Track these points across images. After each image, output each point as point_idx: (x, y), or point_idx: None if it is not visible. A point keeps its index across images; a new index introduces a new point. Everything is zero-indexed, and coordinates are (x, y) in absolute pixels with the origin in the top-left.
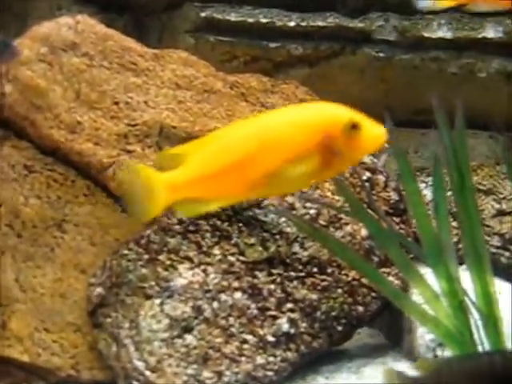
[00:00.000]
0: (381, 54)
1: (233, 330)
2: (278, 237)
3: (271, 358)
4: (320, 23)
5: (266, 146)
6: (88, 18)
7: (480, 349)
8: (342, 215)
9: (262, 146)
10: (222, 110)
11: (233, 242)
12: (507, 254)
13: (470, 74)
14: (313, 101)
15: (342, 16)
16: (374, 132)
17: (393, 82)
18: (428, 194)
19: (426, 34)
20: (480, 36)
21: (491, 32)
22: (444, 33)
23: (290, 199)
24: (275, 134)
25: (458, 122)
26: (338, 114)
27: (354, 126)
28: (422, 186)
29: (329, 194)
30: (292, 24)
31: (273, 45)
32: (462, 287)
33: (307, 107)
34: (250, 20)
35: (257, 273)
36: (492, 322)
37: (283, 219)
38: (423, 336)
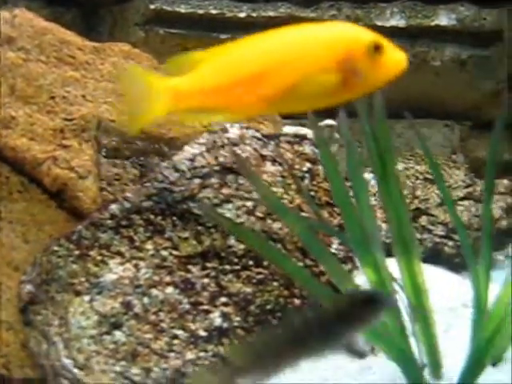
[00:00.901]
0: None
1: (163, 325)
2: (213, 230)
3: (202, 354)
4: (271, 13)
5: (284, 60)
6: (26, 11)
7: (411, 341)
8: None
9: (280, 60)
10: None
11: (166, 236)
12: (451, 243)
13: (424, 62)
14: None
15: (294, 6)
16: (396, 56)
17: None
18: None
19: (378, 23)
20: (433, 24)
21: (444, 20)
22: (397, 21)
23: (225, 191)
24: (295, 47)
25: (378, 110)
26: (362, 34)
27: (377, 48)
28: (370, 176)
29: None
30: (243, 15)
31: (224, 36)
32: (390, 277)
33: (332, 25)
34: (200, 11)
35: (190, 267)
36: (422, 312)
37: (220, 211)
38: None
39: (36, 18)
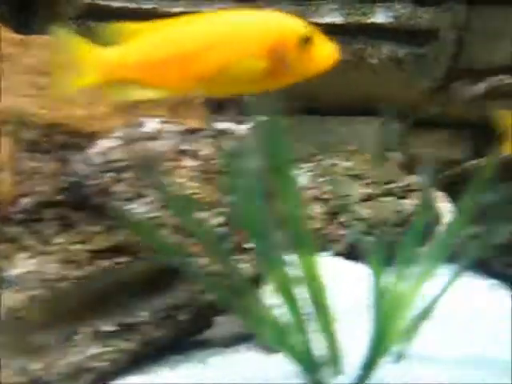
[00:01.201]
0: None
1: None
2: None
3: (107, 349)
4: (207, 9)
5: (217, 41)
6: None
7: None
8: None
9: (213, 41)
10: (86, 97)
11: (77, 230)
12: (370, 238)
13: (361, 59)
14: None
15: (231, 2)
16: (327, 50)
17: None
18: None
19: (315, 19)
20: (370, 21)
21: (381, 17)
22: (334, 18)
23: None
24: (229, 30)
25: (272, 108)
26: (295, 25)
27: (308, 40)
28: (299, 172)
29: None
30: (177, 10)
31: None
32: (288, 272)
33: (268, 13)
34: (132, 6)
35: (100, 261)
36: (320, 308)
37: (131, 206)
38: None
39: None
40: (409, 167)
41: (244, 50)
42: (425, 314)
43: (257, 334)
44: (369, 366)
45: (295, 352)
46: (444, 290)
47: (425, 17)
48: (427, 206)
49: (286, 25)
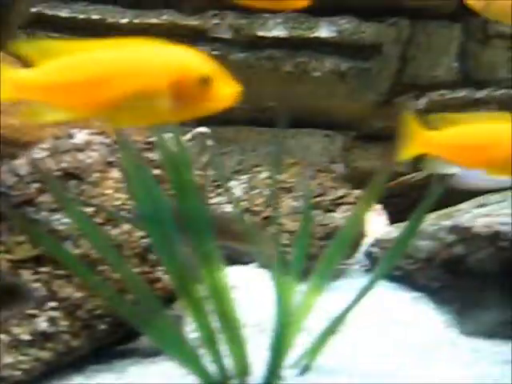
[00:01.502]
0: (216, 52)
1: None
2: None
3: (22, 357)
4: (154, 20)
5: (123, 71)
6: None
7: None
8: None
9: (119, 70)
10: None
11: (1, 240)
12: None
13: (305, 72)
14: None
15: (178, 13)
16: (226, 91)
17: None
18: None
19: (260, 33)
20: (313, 35)
21: (324, 32)
22: (279, 32)
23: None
24: (136, 61)
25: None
26: (195, 63)
27: (207, 80)
28: (235, 183)
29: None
30: (125, 21)
31: None
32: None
33: (173, 49)
34: (81, 16)
35: (22, 271)
36: (228, 322)
37: (55, 217)
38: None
39: None
40: (352, 179)
41: (146, 84)
42: (334, 326)
43: (166, 352)
44: (270, 378)
45: (203, 371)
46: (355, 303)
47: (369, 32)
48: (355, 220)
49: (186, 62)
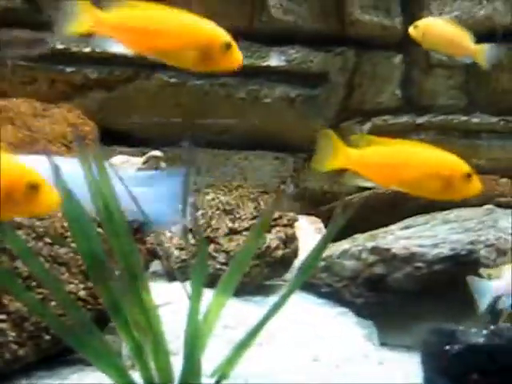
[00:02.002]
0: (174, 80)
1: None
2: (1, 253)
3: None
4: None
5: (172, 29)
6: None
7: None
8: None
9: (169, 28)
10: None
11: None
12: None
13: (257, 99)
14: (85, 125)
15: None
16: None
17: (187, 107)
18: None
19: None
20: (264, 64)
21: (275, 61)
22: None
23: (17, 219)
24: (181, 25)
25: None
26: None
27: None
28: None
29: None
30: (87, 50)
31: (69, 69)
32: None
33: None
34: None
35: None
36: (153, 336)
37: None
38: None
39: None
40: (301, 198)
41: (187, 41)
42: (250, 337)
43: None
44: None
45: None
46: (268, 316)
47: (316, 61)
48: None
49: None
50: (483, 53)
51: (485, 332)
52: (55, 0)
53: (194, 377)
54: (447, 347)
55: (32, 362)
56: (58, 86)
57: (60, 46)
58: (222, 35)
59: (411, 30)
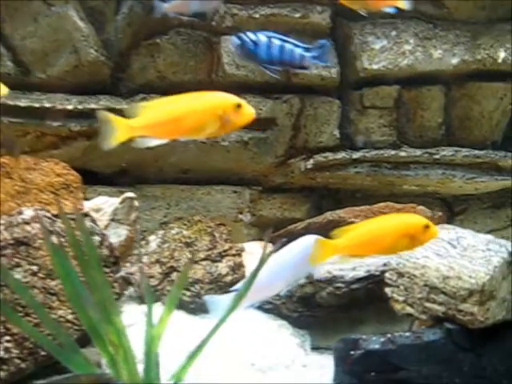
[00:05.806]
0: None
1: None
2: (4, 287)
3: None
4: (93, 105)
5: (190, 112)
6: None
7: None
8: None
9: (188, 112)
10: None
11: None
12: (188, 293)
13: (216, 142)
14: (70, 175)
15: (113, 98)
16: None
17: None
18: (153, 245)
19: None
20: None
21: None
22: None
23: (16, 259)
24: (196, 106)
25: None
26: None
27: (239, 106)
28: (153, 237)
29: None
30: (70, 107)
31: (55, 124)
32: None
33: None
34: (36, 105)
35: None
36: (121, 352)
37: (12, 273)
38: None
39: None
40: (258, 226)
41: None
42: (198, 349)
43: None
44: None
45: None
46: (214, 330)
47: (266, 108)
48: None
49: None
50: None
51: (382, 339)
52: None
53: (154, 377)
54: (351, 352)
55: (31, 372)
56: (47, 138)
57: (47, 105)
58: (232, 99)
59: None
